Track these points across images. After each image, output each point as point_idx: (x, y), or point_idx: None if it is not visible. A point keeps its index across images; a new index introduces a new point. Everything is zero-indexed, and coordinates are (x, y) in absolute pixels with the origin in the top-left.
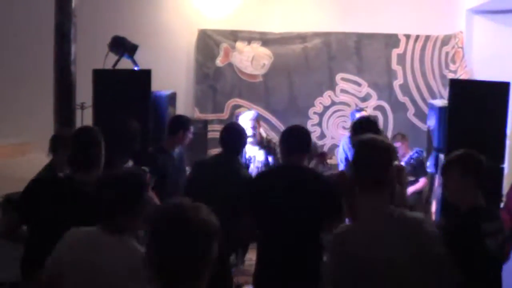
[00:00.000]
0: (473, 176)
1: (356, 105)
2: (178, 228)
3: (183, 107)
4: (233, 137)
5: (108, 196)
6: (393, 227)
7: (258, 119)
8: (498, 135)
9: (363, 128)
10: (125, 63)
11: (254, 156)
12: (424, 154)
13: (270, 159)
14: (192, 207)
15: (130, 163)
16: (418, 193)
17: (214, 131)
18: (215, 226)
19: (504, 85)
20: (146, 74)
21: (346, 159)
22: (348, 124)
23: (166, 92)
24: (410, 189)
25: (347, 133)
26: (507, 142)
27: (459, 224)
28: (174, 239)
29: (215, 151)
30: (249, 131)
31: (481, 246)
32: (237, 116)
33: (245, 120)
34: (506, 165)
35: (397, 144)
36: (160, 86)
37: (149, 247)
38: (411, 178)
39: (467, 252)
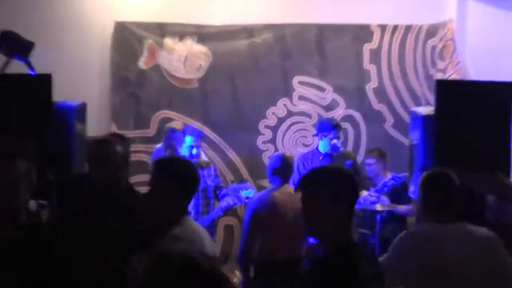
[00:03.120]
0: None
1: (320, 116)
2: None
3: (96, 122)
4: None
5: None
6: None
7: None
8: (501, 149)
9: None
10: (17, 66)
11: None
12: (405, 179)
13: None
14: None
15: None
16: (402, 222)
17: (138, 152)
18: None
19: (507, 86)
20: (45, 80)
21: None
22: (310, 139)
23: (73, 103)
24: None
25: (305, 150)
26: None
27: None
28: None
29: (139, 177)
30: (193, 150)
31: None
32: (170, 132)
33: (191, 135)
34: None
35: (370, 161)
36: (64, 95)
37: None
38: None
39: None
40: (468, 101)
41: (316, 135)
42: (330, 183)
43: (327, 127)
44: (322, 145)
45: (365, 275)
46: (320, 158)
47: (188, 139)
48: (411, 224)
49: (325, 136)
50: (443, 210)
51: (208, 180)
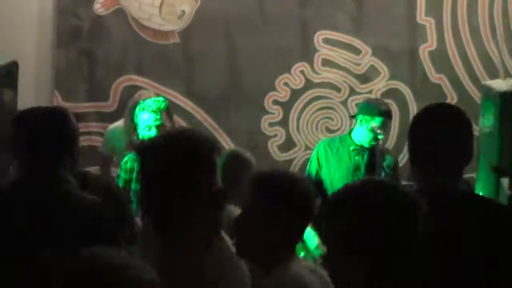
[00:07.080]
0: None
1: (352, 89)
2: None
3: (34, 89)
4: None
5: None
6: None
7: (168, 112)
8: None
9: None
10: None
11: None
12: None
13: None
14: None
15: None
16: None
17: (92, 134)
18: None
19: None
20: None
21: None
22: (337, 123)
23: None
24: None
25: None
26: None
27: None
28: None
29: (91, 169)
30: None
31: None
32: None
33: (145, 112)
34: None
35: None
36: None
37: None
38: None
39: None
40: None
41: (354, 116)
42: None
43: (372, 110)
44: (359, 133)
45: None
46: (351, 148)
47: (144, 115)
48: None
49: (366, 121)
50: None
51: None
